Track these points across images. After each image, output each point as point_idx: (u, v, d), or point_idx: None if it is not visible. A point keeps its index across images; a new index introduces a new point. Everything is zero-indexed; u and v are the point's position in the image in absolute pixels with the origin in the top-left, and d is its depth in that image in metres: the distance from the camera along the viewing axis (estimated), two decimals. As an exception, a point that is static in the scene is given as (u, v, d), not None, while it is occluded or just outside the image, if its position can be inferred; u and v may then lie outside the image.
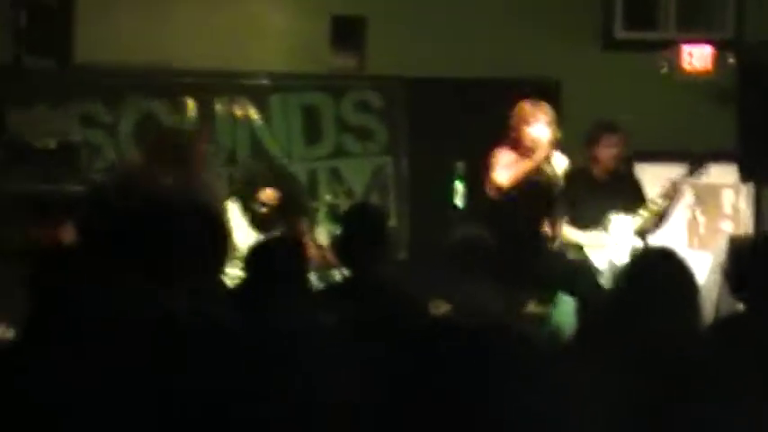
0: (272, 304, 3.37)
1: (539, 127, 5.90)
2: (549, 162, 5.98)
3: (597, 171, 6.23)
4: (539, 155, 5.88)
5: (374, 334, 3.81)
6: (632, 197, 6.23)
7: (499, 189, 5.85)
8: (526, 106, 5.98)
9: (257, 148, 7.26)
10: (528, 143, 5.91)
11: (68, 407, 2.93)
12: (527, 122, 5.92)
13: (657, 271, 2.99)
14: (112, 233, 3.94)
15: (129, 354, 2.98)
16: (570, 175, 6.29)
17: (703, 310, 4.77)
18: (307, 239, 5.79)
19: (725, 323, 3.88)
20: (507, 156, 5.97)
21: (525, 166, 5.87)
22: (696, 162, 6.16)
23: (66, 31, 6.87)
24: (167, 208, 3.51)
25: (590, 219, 6.14)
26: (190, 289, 3.18)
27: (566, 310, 5.77)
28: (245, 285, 3.47)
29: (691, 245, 7.56)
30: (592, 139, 6.22)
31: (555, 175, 6.00)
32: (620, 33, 7.75)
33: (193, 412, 2.89)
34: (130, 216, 4.01)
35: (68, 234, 5.37)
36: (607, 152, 6.18)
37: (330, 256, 5.32)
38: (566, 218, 6.11)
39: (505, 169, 5.89)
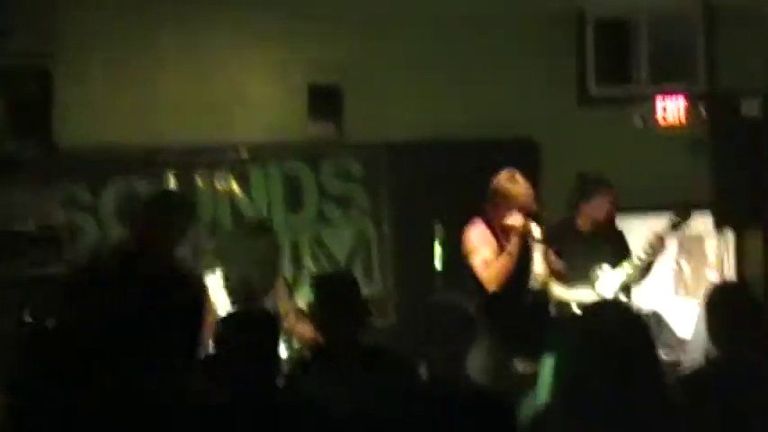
0: (241, 376, 3.37)
1: (515, 214, 5.79)
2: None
3: (584, 224, 6.21)
4: (514, 243, 5.76)
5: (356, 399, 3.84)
6: (619, 250, 6.23)
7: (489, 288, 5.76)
8: (508, 188, 5.85)
9: (239, 220, 7.29)
10: (506, 225, 5.82)
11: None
12: (506, 205, 5.82)
13: (607, 325, 2.99)
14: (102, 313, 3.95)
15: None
16: (556, 229, 6.31)
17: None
18: (287, 307, 5.83)
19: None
20: (482, 234, 5.88)
21: (506, 262, 5.77)
22: (680, 214, 6.16)
23: (46, 116, 6.94)
24: (155, 282, 3.55)
25: (576, 272, 6.12)
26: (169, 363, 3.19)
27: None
28: (215, 357, 3.47)
29: (677, 294, 7.59)
30: (585, 194, 6.20)
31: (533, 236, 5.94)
32: (595, 90, 7.85)
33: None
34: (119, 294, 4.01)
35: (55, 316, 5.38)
36: (601, 208, 6.17)
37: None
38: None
39: (485, 266, 5.78)
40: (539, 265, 5.90)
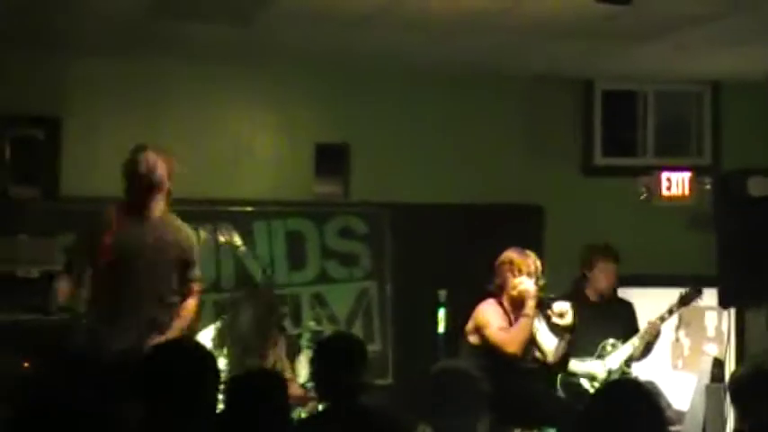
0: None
1: (527, 280, 5.81)
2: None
3: (591, 295, 6.24)
4: (531, 307, 5.77)
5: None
6: (626, 322, 6.25)
7: (514, 356, 5.73)
8: (514, 256, 5.88)
9: (241, 274, 7.28)
10: (516, 295, 5.82)
11: None
12: (515, 274, 5.84)
13: (623, 403, 3.01)
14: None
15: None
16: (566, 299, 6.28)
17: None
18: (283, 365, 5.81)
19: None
20: (495, 310, 5.88)
21: (525, 325, 5.76)
22: (691, 293, 6.22)
23: (52, 163, 6.95)
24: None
25: (584, 343, 6.10)
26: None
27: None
28: (227, 416, 3.44)
29: (675, 367, 7.57)
30: (587, 264, 6.24)
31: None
32: (600, 160, 7.89)
33: None
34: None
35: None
36: (603, 277, 6.21)
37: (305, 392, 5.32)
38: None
39: (504, 330, 5.78)
40: (545, 338, 5.89)
